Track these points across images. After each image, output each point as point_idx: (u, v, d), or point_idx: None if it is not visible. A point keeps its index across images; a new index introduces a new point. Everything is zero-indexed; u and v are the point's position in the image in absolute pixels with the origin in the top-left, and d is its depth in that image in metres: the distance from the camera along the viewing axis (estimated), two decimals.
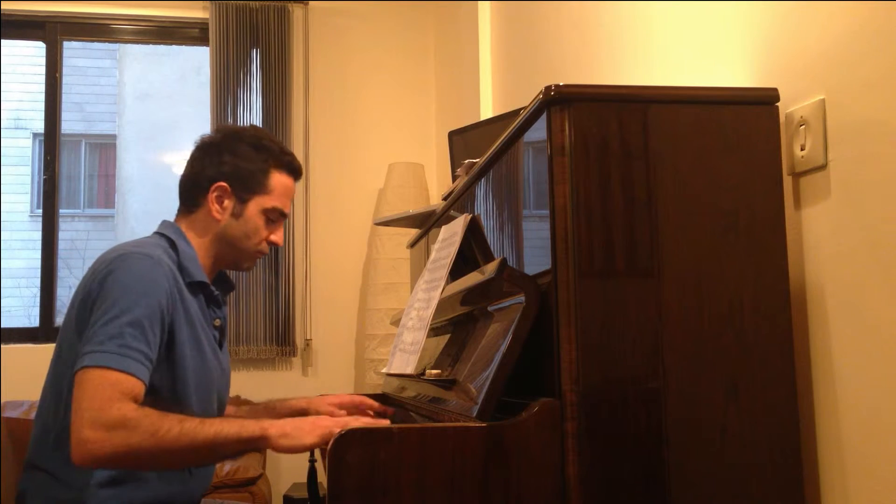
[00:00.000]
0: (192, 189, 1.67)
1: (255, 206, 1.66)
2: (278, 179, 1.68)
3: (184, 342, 1.53)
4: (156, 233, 1.66)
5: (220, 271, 1.75)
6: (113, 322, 1.41)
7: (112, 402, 1.35)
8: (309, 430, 1.37)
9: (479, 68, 3.18)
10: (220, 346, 1.70)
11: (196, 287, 1.61)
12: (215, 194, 1.65)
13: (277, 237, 1.71)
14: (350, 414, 1.75)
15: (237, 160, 1.65)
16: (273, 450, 1.38)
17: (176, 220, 1.69)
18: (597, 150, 1.19)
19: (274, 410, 1.83)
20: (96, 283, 1.48)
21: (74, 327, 1.50)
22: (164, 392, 1.49)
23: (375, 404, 1.83)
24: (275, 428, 1.37)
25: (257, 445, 1.38)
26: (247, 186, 1.66)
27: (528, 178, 1.33)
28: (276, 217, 1.69)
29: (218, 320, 1.69)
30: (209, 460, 1.50)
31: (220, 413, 1.73)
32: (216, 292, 1.68)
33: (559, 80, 1.43)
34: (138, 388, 1.40)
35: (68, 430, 1.47)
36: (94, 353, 1.39)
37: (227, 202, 1.65)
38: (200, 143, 1.70)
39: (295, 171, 1.72)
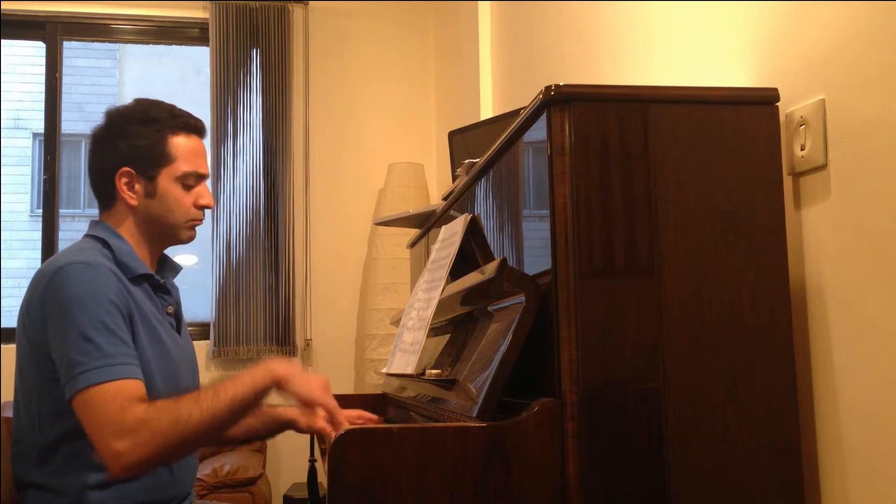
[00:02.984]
0: (101, 184, 1.64)
1: (165, 179, 1.61)
2: (178, 144, 1.63)
3: (141, 340, 1.52)
4: (86, 235, 1.63)
5: (161, 256, 1.72)
6: (82, 338, 1.40)
7: (124, 411, 1.35)
8: (317, 385, 1.47)
9: (479, 68, 3.18)
10: (179, 332, 1.69)
11: (139, 280, 1.59)
12: (123, 181, 1.61)
13: (206, 200, 1.66)
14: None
15: (131, 141, 1.61)
16: (285, 389, 1.44)
17: (102, 218, 1.66)
18: (597, 150, 1.19)
19: (261, 414, 1.83)
20: (41, 300, 1.46)
21: (28, 346, 1.49)
22: None
23: (367, 415, 1.81)
24: (280, 367, 1.45)
25: (271, 387, 1.44)
26: (149, 162, 1.61)
27: (528, 178, 1.33)
28: (192, 181, 1.64)
29: (170, 307, 1.67)
30: (235, 423, 1.52)
31: None
32: (161, 280, 1.66)
33: (559, 80, 1.43)
34: (138, 387, 1.40)
35: (50, 446, 1.47)
36: (80, 374, 1.38)
37: (136, 185, 1.61)
38: (92, 137, 1.65)
39: (193, 128, 1.66)
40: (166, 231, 1.65)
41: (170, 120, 1.63)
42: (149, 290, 1.61)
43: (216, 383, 1.43)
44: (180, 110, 1.68)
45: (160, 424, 1.35)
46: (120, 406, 1.36)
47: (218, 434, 1.49)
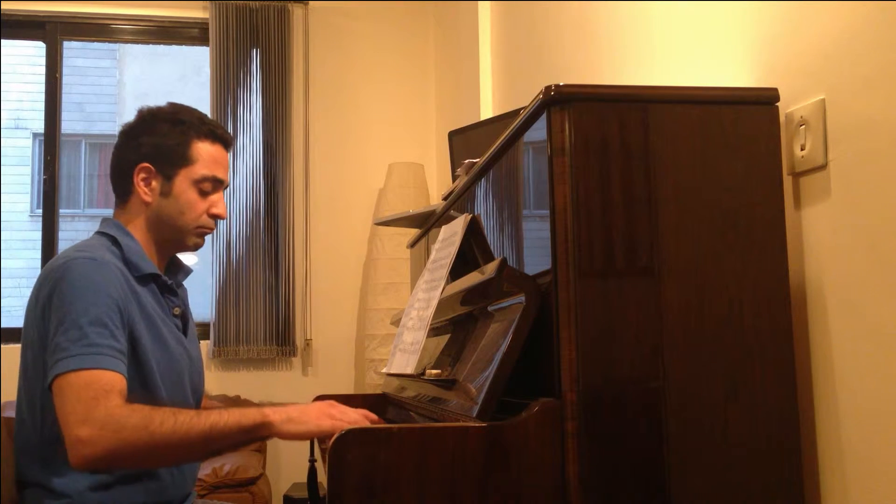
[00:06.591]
0: (119, 178, 1.65)
1: (182, 180, 1.62)
2: (202, 148, 1.63)
3: (144, 340, 1.51)
4: (97, 232, 1.63)
5: (172, 257, 1.72)
6: (73, 327, 1.39)
7: (97, 400, 1.33)
8: (316, 415, 1.34)
9: (479, 68, 3.18)
10: (185, 333, 1.68)
11: (147, 279, 1.59)
12: (140, 176, 1.61)
13: (219, 209, 1.66)
14: None
15: (156, 139, 1.62)
16: (278, 437, 1.34)
17: (115, 215, 1.66)
18: (597, 150, 1.19)
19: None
20: (46, 294, 1.46)
21: (33, 340, 1.48)
22: (132, 392, 1.46)
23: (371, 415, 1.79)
24: (278, 413, 1.34)
25: (260, 434, 1.35)
26: (170, 161, 1.61)
27: (528, 178, 1.33)
28: (209, 187, 1.64)
29: (177, 308, 1.66)
30: (208, 453, 1.45)
31: (196, 403, 1.72)
32: (169, 281, 1.65)
33: (559, 80, 1.43)
34: (117, 381, 1.38)
35: (52, 445, 1.45)
36: (62, 360, 1.37)
37: (153, 182, 1.62)
38: (120, 131, 1.66)
39: (219, 137, 1.67)
40: (175, 234, 1.65)
41: (198, 125, 1.65)
42: (155, 291, 1.61)
43: (206, 409, 1.39)
44: (210, 119, 1.70)
45: (128, 422, 1.31)
46: (94, 395, 1.33)
47: (189, 456, 1.45)
